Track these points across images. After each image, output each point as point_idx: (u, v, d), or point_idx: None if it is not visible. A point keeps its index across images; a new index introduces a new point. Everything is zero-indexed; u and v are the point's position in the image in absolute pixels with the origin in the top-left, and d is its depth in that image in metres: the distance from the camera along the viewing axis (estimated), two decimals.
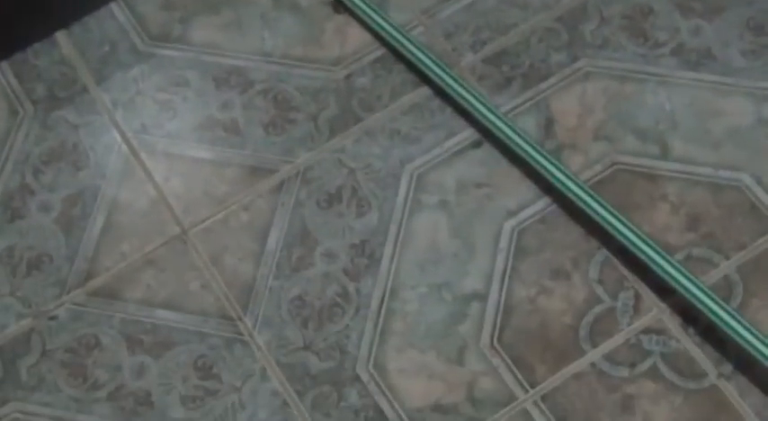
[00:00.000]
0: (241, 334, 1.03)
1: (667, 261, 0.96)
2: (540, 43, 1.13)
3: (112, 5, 1.21)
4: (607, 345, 0.99)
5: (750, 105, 1.07)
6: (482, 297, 1.02)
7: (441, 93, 1.10)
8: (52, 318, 1.05)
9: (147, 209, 1.09)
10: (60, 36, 1.19)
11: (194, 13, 1.20)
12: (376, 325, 1.02)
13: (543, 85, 1.11)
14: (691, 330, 0.99)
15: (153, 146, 1.12)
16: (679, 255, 1.02)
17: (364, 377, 1.00)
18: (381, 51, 1.15)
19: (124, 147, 1.12)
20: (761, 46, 1.10)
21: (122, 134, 1.13)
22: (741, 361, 0.97)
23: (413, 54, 1.07)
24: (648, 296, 1.01)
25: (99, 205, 1.10)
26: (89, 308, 1.05)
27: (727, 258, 1.02)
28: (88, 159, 1.12)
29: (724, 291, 1.00)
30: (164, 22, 1.19)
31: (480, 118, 1.03)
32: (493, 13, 1.16)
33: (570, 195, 0.99)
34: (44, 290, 1.06)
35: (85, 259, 1.07)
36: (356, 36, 1.17)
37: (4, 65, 1.18)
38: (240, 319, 1.03)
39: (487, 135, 1.09)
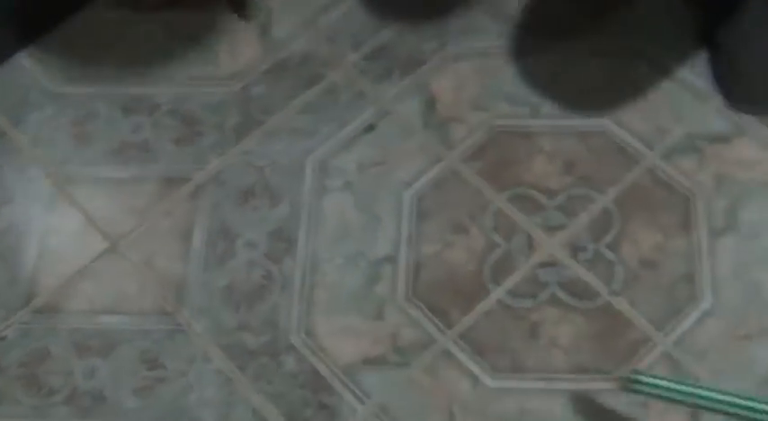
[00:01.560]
0: (180, 324, 1.12)
1: None
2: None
3: (18, 55, 1.30)
4: (509, 283, 1.11)
5: None
6: (393, 259, 1.13)
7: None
8: (2, 339, 1.13)
9: (77, 230, 1.18)
10: None
11: (94, 52, 1.30)
12: (301, 297, 1.12)
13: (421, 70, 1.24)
14: (579, 257, 1.11)
15: (74, 174, 1.22)
16: (561, 197, 1.14)
17: (297, 344, 1.10)
18: (270, 63, 1.27)
19: (47, 179, 1.21)
20: None
21: (44, 167, 1.22)
22: (628, 278, 1.09)
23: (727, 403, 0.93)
24: (538, 235, 1.13)
25: (31, 233, 1.18)
26: (35, 324, 1.13)
27: (603, 193, 1.14)
28: (14, 194, 1.21)
29: (604, 221, 1.12)
30: (68, 64, 1.29)
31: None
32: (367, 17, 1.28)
33: None
34: None
35: (25, 282, 1.15)
36: (245, 52, 1.28)
37: None
38: (177, 312, 1.12)
39: (377, 119, 1.21)
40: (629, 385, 0.94)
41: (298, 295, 1.12)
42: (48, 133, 1.25)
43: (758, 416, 0.90)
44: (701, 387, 0.93)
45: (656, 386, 0.93)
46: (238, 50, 1.28)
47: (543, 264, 1.11)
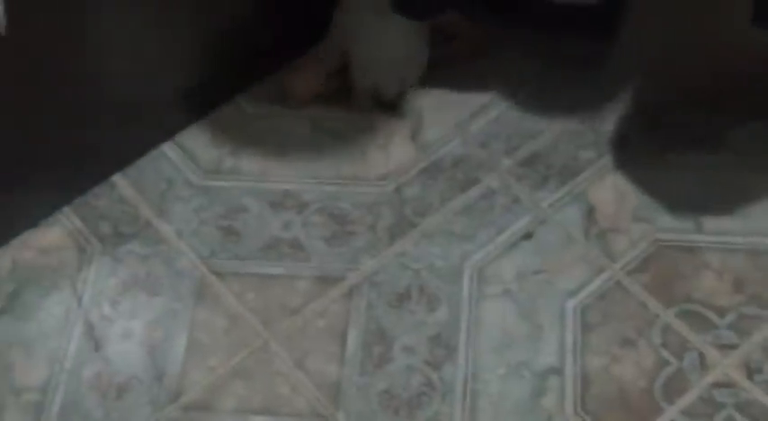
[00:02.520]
0: None
1: None
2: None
3: (163, 147, 1.29)
4: (683, 402, 1.07)
5: None
6: (558, 371, 1.10)
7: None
8: None
9: (227, 325, 1.15)
10: (117, 178, 1.27)
11: (242, 146, 1.28)
12: (464, 407, 1.08)
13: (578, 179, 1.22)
14: (756, 379, 1.07)
15: (223, 268, 1.19)
16: (732, 315, 1.11)
17: None
18: (422, 165, 1.25)
19: (196, 271, 1.19)
20: None
21: (191, 260, 1.20)
22: None
23: None
24: (710, 354, 1.10)
25: (180, 326, 1.15)
26: None
27: None
28: (162, 286, 1.18)
29: None
30: (214, 157, 1.28)
31: None
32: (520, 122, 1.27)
33: None
34: (137, 410, 1.10)
35: (174, 377, 1.12)
36: (398, 153, 1.26)
37: (67, 210, 1.25)
38: (332, 416, 1.08)
39: (535, 226, 1.19)
40: None
41: (460, 404, 1.08)
42: (194, 226, 1.23)
43: None
44: None
45: None
46: (389, 150, 1.27)
47: (718, 385, 1.08)
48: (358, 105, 1.28)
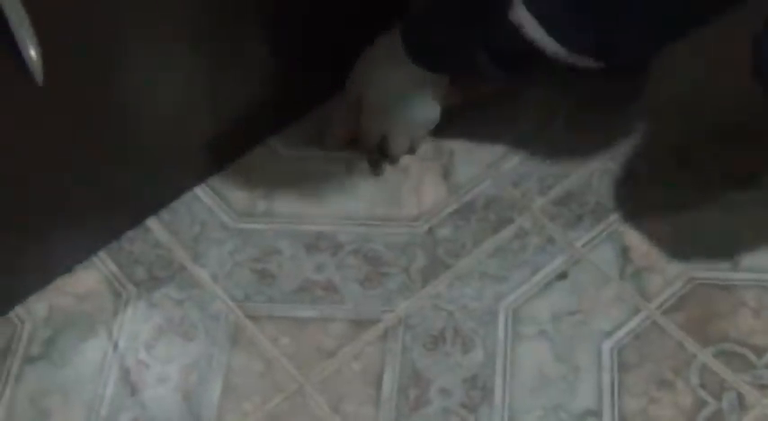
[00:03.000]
0: None
1: None
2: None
3: (197, 190, 1.30)
4: None
5: None
6: (596, 413, 1.09)
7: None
8: None
9: (262, 369, 1.15)
10: (151, 222, 1.28)
11: (275, 188, 1.29)
12: None
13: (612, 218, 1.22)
14: None
15: (257, 311, 1.19)
16: None
17: None
18: (455, 206, 1.25)
19: (230, 315, 1.19)
20: None
21: (226, 304, 1.20)
22: None
23: None
24: (749, 394, 1.09)
25: (215, 371, 1.15)
26: None
27: None
28: (197, 330, 1.19)
29: None
30: (248, 200, 1.28)
31: None
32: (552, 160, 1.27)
33: None
34: None
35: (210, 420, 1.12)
36: (430, 193, 1.27)
37: (102, 254, 1.26)
38: None
39: (569, 266, 1.18)
40: None
41: None
42: (228, 269, 1.23)
43: None
44: None
45: None
46: (422, 191, 1.27)
47: None
48: (365, 156, 1.27)
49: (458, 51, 1.14)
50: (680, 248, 1.19)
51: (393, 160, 1.28)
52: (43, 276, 1.23)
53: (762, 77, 0.98)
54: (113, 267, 1.24)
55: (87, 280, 1.23)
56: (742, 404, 1.08)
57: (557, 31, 1.00)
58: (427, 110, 1.23)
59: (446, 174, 1.28)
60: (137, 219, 1.28)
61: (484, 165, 1.28)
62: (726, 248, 1.18)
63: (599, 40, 1.01)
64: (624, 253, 1.20)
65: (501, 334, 1.15)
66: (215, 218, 1.27)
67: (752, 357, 1.11)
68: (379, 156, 1.29)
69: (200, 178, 1.31)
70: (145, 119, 1.18)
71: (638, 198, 1.23)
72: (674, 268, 1.18)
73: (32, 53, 0.94)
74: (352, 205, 1.26)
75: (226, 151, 1.31)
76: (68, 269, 1.24)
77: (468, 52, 1.10)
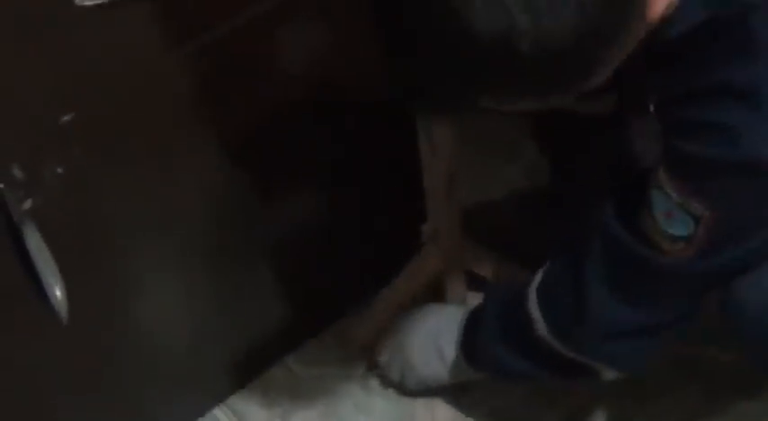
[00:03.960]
0: None
1: None
2: None
3: (215, 410, 1.32)
4: None
5: None
6: None
7: None
8: None
9: None
10: None
11: (293, 408, 1.31)
12: None
13: None
14: None
15: None
16: None
17: None
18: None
19: None
20: None
21: None
22: None
23: None
24: None
25: None
26: None
27: None
28: None
29: None
30: (266, 419, 1.31)
31: None
32: None
33: None
34: None
35: None
36: (443, 410, 1.29)
37: None
38: None
39: None
40: None
41: None
42: None
43: None
44: None
45: None
46: (434, 408, 1.29)
47: None
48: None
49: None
50: None
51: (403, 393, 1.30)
52: None
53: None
54: None
55: None
56: None
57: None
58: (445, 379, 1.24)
59: (463, 390, 1.30)
60: None
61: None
62: None
63: None
64: None
65: None
66: None
67: None
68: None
69: (218, 399, 1.33)
70: (163, 347, 1.22)
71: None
72: None
73: (57, 293, 0.98)
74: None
75: (243, 371, 1.34)
76: None
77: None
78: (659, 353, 1.05)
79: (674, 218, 0.90)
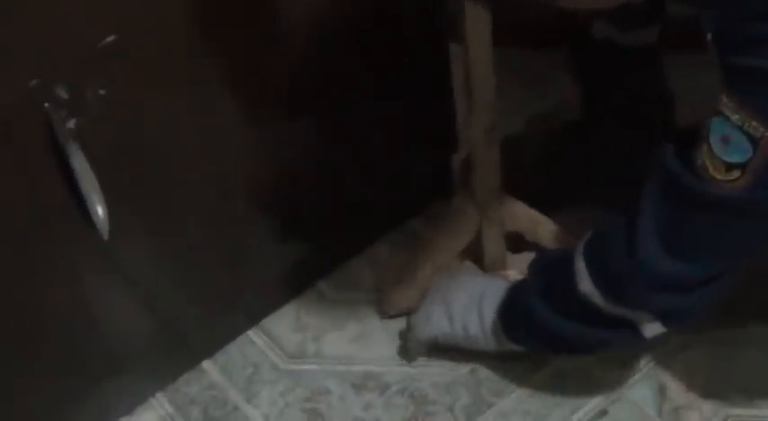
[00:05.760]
0: None
1: None
2: None
3: (249, 332, 1.36)
4: None
5: None
6: None
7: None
8: None
9: None
10: (206, 364, 1.34)
11: (324, 330, 1.35)
12: None
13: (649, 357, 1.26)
14: None
15: None
16: None
17: None
18: None
19: None
20: None
21: None
22: None
23: None
24: None
25: None
26: None
27: None
28: None
29: None
30: (298, 342, 1.34)
31: None
32: None
33: None
34: None
35: None
36: None
37: (160, 395, 1.31)
38: None
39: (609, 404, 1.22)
40: None
41: None
42: (280, 408, 1.28)
43: None
44: None
45: None
46: None
47: None
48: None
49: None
50: (717, 386, 1.22)
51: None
52: (104, 417, 1.28)
53: None
54: (170, 408, 1.30)
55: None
56: None
57: None
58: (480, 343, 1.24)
59: None
60: (193, 362, 1.34)
61: None
62: (763, 386, 1.22)
63: None
64: (662, 391, 1.23)
65: None
66: (267, 359, 1.33)
67: None
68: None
69: (252, 321, 1.37)
70: (199, 268, 1.25)
71: (675, 337, 1.27)
72: (712, 406, 1.21)
73: (100, 211, 1.02)
74: (398, 345, 1.32)
75: (276, 295, 1.38)
76: (128, 411, 1.29)
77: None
78: (709, 307, 1.05)
79: (731, 142, 0.90)
